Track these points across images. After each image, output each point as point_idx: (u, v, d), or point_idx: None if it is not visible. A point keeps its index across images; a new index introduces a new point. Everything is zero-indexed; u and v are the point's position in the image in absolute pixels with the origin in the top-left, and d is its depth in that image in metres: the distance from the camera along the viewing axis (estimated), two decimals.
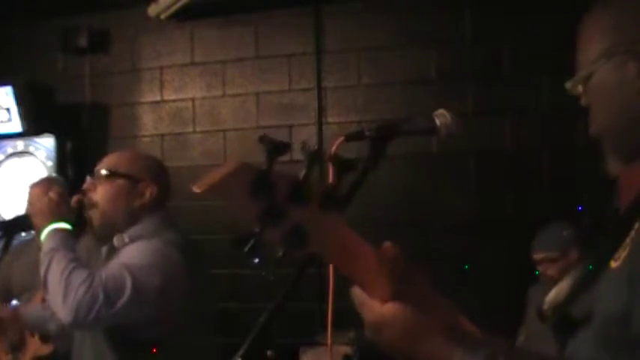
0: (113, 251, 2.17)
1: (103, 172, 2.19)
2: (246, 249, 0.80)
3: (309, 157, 0.85)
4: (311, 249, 0.84)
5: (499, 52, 3.92)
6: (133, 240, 2.14)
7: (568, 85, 1.15)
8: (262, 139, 0.82)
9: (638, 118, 1.06)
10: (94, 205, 2.18)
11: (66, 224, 2.16)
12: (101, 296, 1.93)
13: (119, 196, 2.17)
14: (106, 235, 2.20)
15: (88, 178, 2.22)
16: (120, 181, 2.18)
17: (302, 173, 0.82)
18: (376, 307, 0.92)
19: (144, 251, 2.08)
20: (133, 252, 2.09)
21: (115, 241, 2.16)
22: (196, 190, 0.77)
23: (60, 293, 1.96)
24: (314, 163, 0.85)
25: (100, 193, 2.18)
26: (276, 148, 0.82)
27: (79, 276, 1.96)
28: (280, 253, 0.82)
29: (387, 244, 0.95)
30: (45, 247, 2.08)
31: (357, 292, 0.94)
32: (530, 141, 3.87)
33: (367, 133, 1.31)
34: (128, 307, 1.97)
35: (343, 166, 0.94)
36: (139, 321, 2.03)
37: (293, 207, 0.80)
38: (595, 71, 1.09)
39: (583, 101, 1.15)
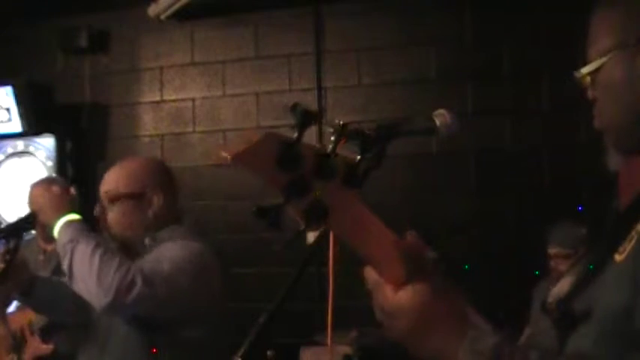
0: (145, 249, 2.17)
1: (106, 197, 2.19)
2: (268, 220, 0.78)
3: (336, 132, 0.84)
4: (329, 225, 0.83)
5: (499, 52, 3.92)
6: (165, 240, 2.15)
7: (576, 75, 1.15)
8: (293, 108, 0.80)
9: None
10: (108, 229, 2.19)
11: (76, 215, 2.15)
12: (139, 281, 1.91)
13: (129, 215, 2.18)
14: (129, 247, 2.21)
15: (97, 206, 2.23)
16: (125, 201, 2.19)
17: (329, 147, 0.81)
18: (389, 293, 0.91)
19: (182, 246, 2.10)
20: (172, 247, 2.11)
21: (147, 241, 2.17)
22: (224, 155, 0.75)
23: (93, 277, 1.93)
24: (340, 138, 0.84)
25: (110, 217, 2.19)
26: (307, 118, 0.79)
27: (113, 260, 1.95)
28: (301, 227, 0.81)
29: (412, 233, 0.94)
30: (62, 240, 2.06)
31: (371, 273, 0.93)
32: (530, 141, 3.87)
33: (367, 133, 1.31)
34: (166, 295, 1.96)
35: (365, 143, 0.92)
36: (175, 315, 2.03)
37: (318, 181, 0.79)
38: (604, 64, 1.08)
39: (589, 94, 1.14)
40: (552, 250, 3.19)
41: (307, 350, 3.47)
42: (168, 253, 2.08)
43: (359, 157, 0.86)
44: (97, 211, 2.23)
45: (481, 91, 3.93)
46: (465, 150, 3.88)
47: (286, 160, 0.77)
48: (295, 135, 0.77)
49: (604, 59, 1.08)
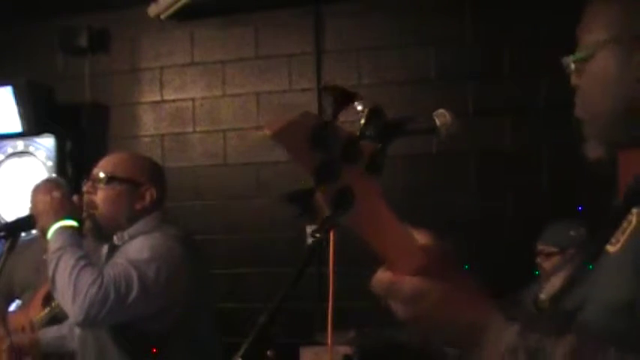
0: (114, 249, 2.19)
1: (103, 175, 2.19)
2: (299, 206, 0.77)
3: (367, 114, 0.82)
4: (352, 213, 0.81)
5: (499, 52, 3.92)
6: (133, 237, 2.16)
7: (566, 60, 1.15)
8: (327, 88, 0.79)
9: (634, 107, 1.06)
10: (94, 207, 2.19)
11: (72, 221, 2.16)
12: (112, 294, 1.95)
13: (120, 200, 2.19)
14: (105, 236, 2.23)
15: (86, 182, 2.23)
16: (121, 186, 2.20)
17: (359, 130, 0.80)
18: (412, 279, 0.88)
19: (146, 246, 2.10)
20: (136, 247, 2.11)
21: (116, 239, 2.18)
22: (267, 131, 0.75)
23: (70, 293, 1.96)
24: (371, 121, 0.82)
25: (100, 196, 2.19)
26: (344, 98, 0.79)
27: (89, 275, 1.97)
28: (327, 215, 0.79)
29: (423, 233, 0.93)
30: (52, 247, 2.08)
31: (383, 275, 0.90)
32: (530, 141, 3.87)
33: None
34: (137, 302, 1.99)
35: (394, 127, 0.90)
36: (145, 314, 2.05)
37: (346, 165, 0.78)
38: (596, 54, 1.09)
39: (574, 80, 1.14)
40: (539, 247, 3.20)
41: (307, 350, 3.47)
42: (136, 254, 2.08)
43: (381, 144, 0.84)
44: (86, 187, 2.23)
45: (481, 91, 3.93)
46: (465, 150, 3.88)
47: (319, 140, 0.75)
48: (331, 115, 0.76)
49: (597, 50, 1.08)
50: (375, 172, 0.81)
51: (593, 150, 1.13)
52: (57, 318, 2.77)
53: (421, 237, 0.92)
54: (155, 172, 2.31)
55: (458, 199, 3.90)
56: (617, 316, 0.91)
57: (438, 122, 1.33)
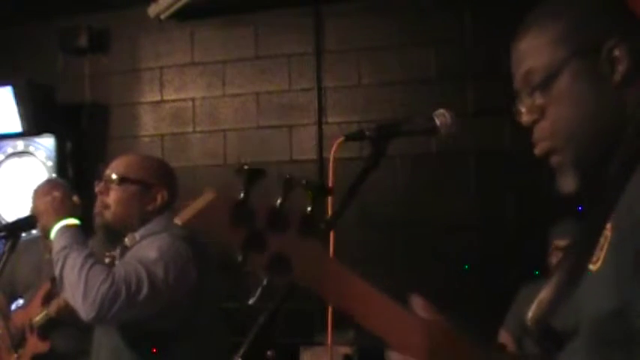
0: (125, 251, 2.21)
1: (115, 176, 2.21)
2: (232, 276, 0.80)
3: (284, 185, 0.86)
4: (296, 277, 0.84)
5: (499, 52, 3.91)
6: (143, 238, 2.18)
7: (526, 93, 1.05)
8: (238, 171, 0.83)
9: (614, 117, 0.99)
10: (106, 207, 2.21)
11: (74, 220, 2.18)
12: (123, 292, 1.97)
13: (132, 201, 2.22)
14: (115, 235, 2.25)
15: (98, 182, 2.25)
16: (133, 187, 2.22)
17: (278, 200, 0.83)
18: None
19: (155, 246, 2.13)
20: (145, 248, 2.14)
21: (127, 240, 2.20)
22: (177, 221, 0.79)
23: (80, 291, 1.98)
24: (289, 191, 0.86)
25: (112, 197, 2.22)
26: (253, 176, 0.82)
27: (99, 273, 1.99)
28: (265, 282, 0.82)
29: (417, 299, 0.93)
30: (57, 246, 2.09)
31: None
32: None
33: (367, 133, 1.31)
34: (147, 300, 2.01)
35: (319, 191, 0.93)
36: (154, 312, 2.06)
37: (272, 234, 0.81)
38: (562, 71, 1.01)
39: (529, 117, 1.07)
40: (561, 242, 3.07)
41: (307, 350, 3.47)
42: (145, 255, 2.10)
43: (310, 208, 0.87)
44: (98, 187, 2.24)
45: (481, 91, 3.93)
46: (465, 150, 3.88)
47: (238, 218, 0.79)
48: (242, 194, 0.80)
49: (560, 68, 1.01)
50: (309, 235, 0.84)
51: (568, 183, 1.07)
52: (58, 320, 2.79)
53: (422, 310, 0.92)
54: (166, 174, 2.34)
55: (458, 199, 3.90)
56: (606, 325, 0.90)
57: (438, 122, 1.33)
